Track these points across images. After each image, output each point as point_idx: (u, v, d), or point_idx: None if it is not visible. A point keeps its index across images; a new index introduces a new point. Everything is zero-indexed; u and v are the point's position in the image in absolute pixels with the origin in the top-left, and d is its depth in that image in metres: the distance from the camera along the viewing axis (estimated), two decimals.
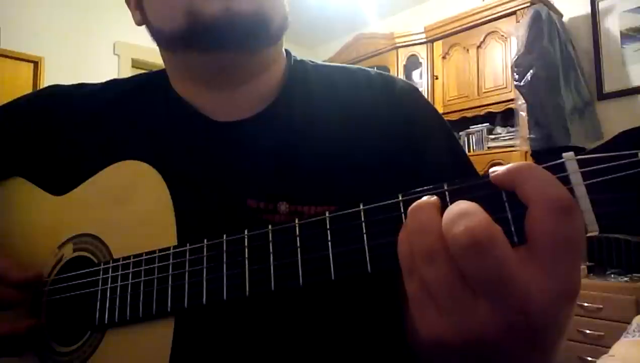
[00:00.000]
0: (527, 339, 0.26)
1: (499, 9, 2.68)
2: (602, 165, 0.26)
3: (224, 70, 0.51)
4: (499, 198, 0.28)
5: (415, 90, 0.59)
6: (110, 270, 0.45)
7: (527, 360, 0.28)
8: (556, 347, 0.28)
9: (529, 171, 0.27)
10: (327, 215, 0.35)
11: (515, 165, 0.28)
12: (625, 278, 2.13)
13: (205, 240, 0.40)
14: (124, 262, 0.44)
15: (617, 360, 1.43)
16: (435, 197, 0.29)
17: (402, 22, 3.56)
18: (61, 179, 0.53)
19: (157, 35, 0.52)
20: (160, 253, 0.42)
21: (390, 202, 0.32)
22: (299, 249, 0.35)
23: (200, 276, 0.39)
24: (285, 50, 0.58)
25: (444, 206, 0.28)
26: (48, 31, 2.83)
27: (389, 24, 3.60)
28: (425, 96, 2.91)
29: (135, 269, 0.43)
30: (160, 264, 0.42)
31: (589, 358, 1.99)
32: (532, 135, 2.37)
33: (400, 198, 0.32)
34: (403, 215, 0.31)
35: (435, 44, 3.06)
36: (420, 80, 3.13)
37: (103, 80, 0.64)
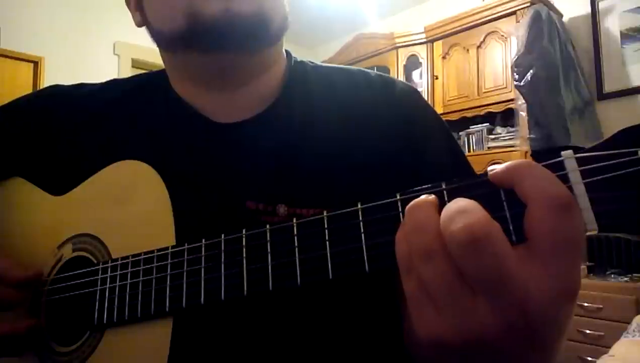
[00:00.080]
0: (527, 338, 0.26)
1: (499, 9, 2.68)
2: (601, 163, 0.26)
3: (224, 71, 0.51)
4: (497, 197, 0.28)
5: (414, 92, 0.59)
6: (109, 270, 0.45)
7: (526, 359, 0.28)
8: (556, 346, 0.28)
9: (527, 169, 0.27)
10: (324, 214, 0.35)
11: (514, 163, 0.28)
12: (625, 278, 2.13)
13: (203, 240, 0.40)
14: (123, 262, 0.44)
15: (617, 360, 1.43)
16: (433, 196, 0.29)
17: (402, 22, 3.56)
18: (61, 179, 0.53)
19: (157, 36, 0.52)
20: (158, 253, 0.42)
21: (388, 201, 0.32)
22: (296, 249, 0.35)
23: (199, 276, 0.39)
24: (286, 51, 0.58)
25: (442, 205, 0.28)
26: (48, 31, 2.83)
27: (389, 24, 3.60)
28: (425, 96, 2.93)
29: (134, 269, 0.43)
30: (158, 264, 0.42)
31: (589, 358, 1.99)
32: (532, 135, 2.37)
33: (398, 197, 0.32)
34: (401, 214, 0.31)
35: (435, 44, 3.06)
36: (420, 80, 3.13)
37: (103, 80, 0.64)
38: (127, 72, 3.11)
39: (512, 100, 2.57)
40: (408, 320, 0.34)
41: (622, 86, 2.51)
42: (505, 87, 2.65)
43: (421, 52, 3.10)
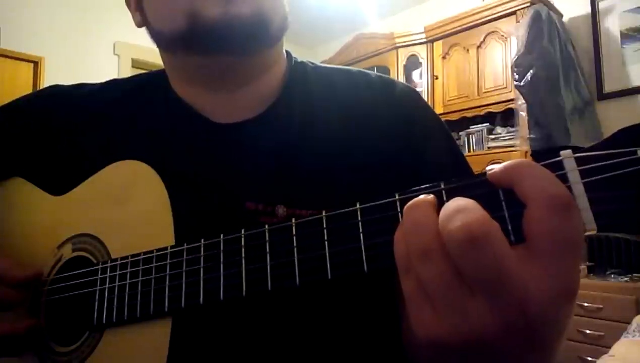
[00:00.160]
0: (526, 338, 0.26)
1: (499, 9, 2.68)
2: (600, 163, 0.26)
3: (224, 72, 0.51)
4: (495, 197, 0.28)
5: (414, 92, 0.59)
6: (108, 270, 0.45)
7: (526, 359, 0.28)
8: (556, 346, 0.28)
9: (526, 168, 0.27)
10: (323, 214, 0.35)
11: (513, 163, 0.27)
12: (625, 278, 2.13)
13: (202, 240, 0.40)
14: (122, 262, 0.44)
15: (617, 360, 1.43)
16: (431, 196, 0.29)
17: (402, 22, 3.56)
18: (61, 179, 0.53)
19: (157, 37, 0.52)
20: (157, 253, 0.42)
21: (386, 201, 0.32)
22: (295, 249, 0.35)
23: (198, 276, 0.39)
24: (286, 51, 0.58)
25: (440, 205, 0.28)
26: (48, 31, 2.83)
27: (389, 24, 3.60)
28: (425, 96, 2.93)
29: (133, 269, 0.43)
30: (157, 264, 0.42)
31: (589, 358, 1.99)
32: (532, 135, 2.37)
33: (396, 197, 0.31)
34: (400, 214, 0.31)
35: (435, 44, 3.06)
36: (420, 80, 3.13)
37: (103, 80, 0.63)
38: (127, 72, 3.11)
39: (512, 100, 2.57)
40: (407, 320, 0.34)
41: (622, 86, 2.51)
42: (505, 87, 2.65)
43: (421, 52, 3.10)
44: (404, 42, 3.15)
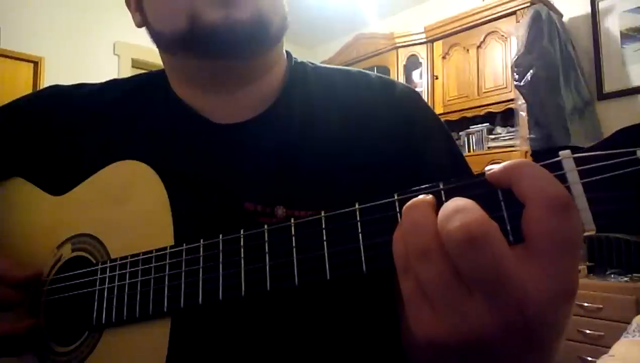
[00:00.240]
0: (525, 338, 0.26)
1: (499, 9, 2.68)
2: (599, 163, 0.26)
3: (224, 74, 0.51)
4: (494, 197, 0.28)
5: (414, 93, 0.59)
6: (107, 270, 0.45)
7: (524, 359, 0.28)
8: (555, 346, 0.28)
9: (525, 168, 0.27)
10: (322, 214, 0.34)
11: (512, 163, 0.27)
12: (625, 278, 2.13)
13: (201, 240, 0.40)
14: (121, 262, 0.44)
15: (617, 360, 1.43)
16: (430, 196, 0.29)
17: (402, 22, 3.55)
18: (61, 179, 0.53)
19: (157, 37, 0.52)
20: (157, 254, 0.42)
21: (385, 201, 0.32)
22: (294, 249, 0.35)
23: (197, 276, 0.39)
24: (286, 51, 0.58)
25: (439, 205, 0.28)
26: (48, 31, 2.83)
27: (389, 24, 3.60)
28: (425, 96, 2.93)
29: (132, 269, 0.43)
30: (156, 264, 0.42)
31: (589, 358, 1.99)
32: (532, 135, 2.37)
33: (395, 197, 0.31)
34: (399, 214, 0.31)
35: (435, 44, 3.06)
36: (420, 80, 3.13)
37: (103, 80, 0.64)
38: (127, 72, 3.11)
39: (512, 100, 2.57)
40: (406, 320, 0.34)
41: (622, 86, 2.51)
42: (505, 87, 2.65)
43: (421, 52, 3.10)
44: (404, 42, 3.15)
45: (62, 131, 0.56)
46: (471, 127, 2.87)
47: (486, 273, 0.25)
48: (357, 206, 0.33)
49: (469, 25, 2.84)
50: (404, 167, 0.49)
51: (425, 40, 3.07)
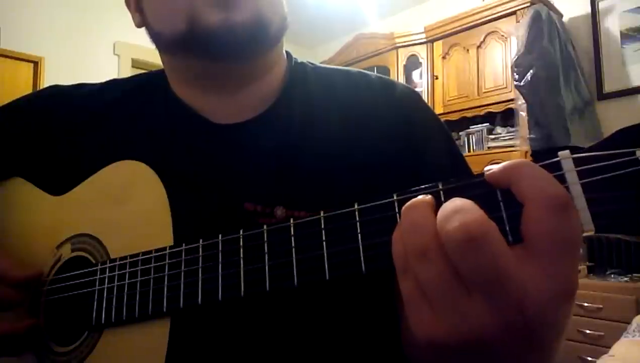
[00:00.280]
0: (525, 338, 0.26)
1: (499, 9, 2.68)
2: (598, 164, 0.26)
3: (224, 75, 0.51)
4: (493, 197, 0.28)
5: (414, 93, 0.59)
6: (107, 270, 0.45)
7: (524, 359, 0.28)
8: (555, 346, 0.28)
9: (525, 169, 0.27)
10: (322, 214, 0.35)
11: (511, 163, 0.27)
12: (625, 278, 2.13)
13: (201, 240, 0.40)
14: (121, 262, 0.44)
15: (617, 360, 1.43)
16: (429, 196, 0.29)
17: (402, 22, 3.55)
18: (61, 179, 0.53)
19: (156, 38, 0.52)
20: (156, 254, 0.42)
21: (385, 201, 0.32)
22: (293, 249, 0.35)
23: (196, 276, 0.39)
24: (286, 52, 0.58)
25: (438, 205, 0.28)
26: (48, 31, 2.83)
27: (389, 24, 3.60)
28: (425, 96, 2.93)
29: (132, 269, 0.43)
30: (156, 264, 0.42)
31: (589, 358, 1.99)
32: (532, 135, 2.37)
33: (395, 197, 0.31)
34: (398, 214, 0.31)
35: (435, 44, 3.06)
36: (420, 80, 3.13)
37: (103, 80, 0.64)
38: (127, 72, 3.11)
39: (512, 100, 2.57)
40: (405, 320, 0.34)
41: (622, 86, 2.51)
42: (505, 87, 2.65)
43: (421, 52, 3.10)
44: (404, 42, 3.15)
45: (62, 131, 0.56)
46: (471, 127, 2.87)
47: (485, 273, 0.25)
48: (356, 206, 0.33)
49: (469, 25, 2.84)
50: (403, 167, 0.49)
51: (425, 40, 3.07)
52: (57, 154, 0.55)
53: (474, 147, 2.84)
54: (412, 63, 3.17)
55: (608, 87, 2.56)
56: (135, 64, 3.21)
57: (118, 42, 3.13)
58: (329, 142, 0.50)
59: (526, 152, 2.45)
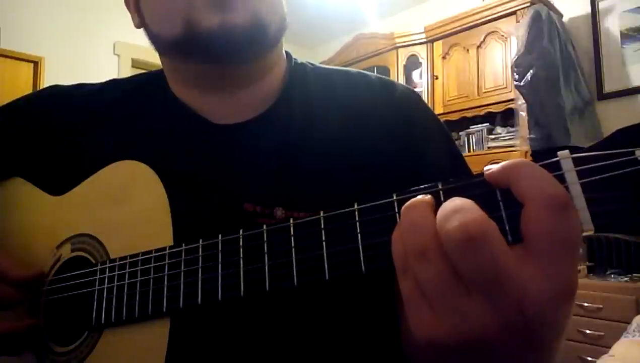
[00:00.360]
0: (525, 338, 0.26)
1: (499, 9, 2.68)
2: (598, 164, 0.26)
3: (223, 77, 0.51)
4: (493, 197, 0.28)
5: (414, 94, 0.59)
6: (107, 270, 0.45)
7: (524, 359, 0.28)
8: (555, 346, 0.28)
9: (524, 168, 0.27)
10: (321, 214, 0.35)
11: (511, 162, 0.27)
12: (625, 278, 2.13)
13: (200, 240, 0.40)
14: (121, 262, 0.44)
15: (617, 360, 1.43)
16: (429, 196, 0.29)
17: (402, 22, 3.55)
18: (60, 179, 0.53)
19: (155, 40, 0.52)
20: (156, 254, 0.42)
21: (384, 201, 0.32)
22: (293, 249, 0.35)
23: (196, 276, 0.39)
24: (286, 52, 0.58)
25: (438, 205, 0.28)
26: (48, 31, 2.83)
27: (389, 24, 3.60)
28: (425, 96, 2.93)
29: (132, 269, 0.43)
30: (156, 264, 0.42)
31: (589, 358, 1.99)
32: (532, 135, 2.37)
33: (394, 197, 0.31)
34: (397, 214, 0.31)
35: (435, 44, 3.06)
36: (420, 80, 3.13)
37: (103, 80, 0.64)
38: (127, 72, 3.11)
39: (512, 100, 2.57)
40: (405, 321, 0.34)
41: (622, 86, 2.51)
42: (505, 87, 2.65)
43: (421, 52, 3.10)
44: (404, 42, 3.15)
45: (62, 131, 0.56)
46: (471, 127, 2.87)
47: (485, 272, 0.25)
48: (356, 206, 0.33)
49: (469, 25, 2.84)
50: (403, 167, 0.49)
51: (425, 40, 3.07)
52: (57, 154, 0.55)
53: (474, 147, 2.84)
54: (412, 63, 3.17)
55: (608, 87, 2.56)
56: (135, 64, 3.21)
57: (118, 42, 3.13)
58: (329, 142, 0.50)
59: (526, 152, 2.45)
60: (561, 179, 0.27)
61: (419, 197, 0.29)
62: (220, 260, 0.38)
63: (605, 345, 1.82)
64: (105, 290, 0.44)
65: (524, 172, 0.27)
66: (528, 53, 2.37)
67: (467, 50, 2.86)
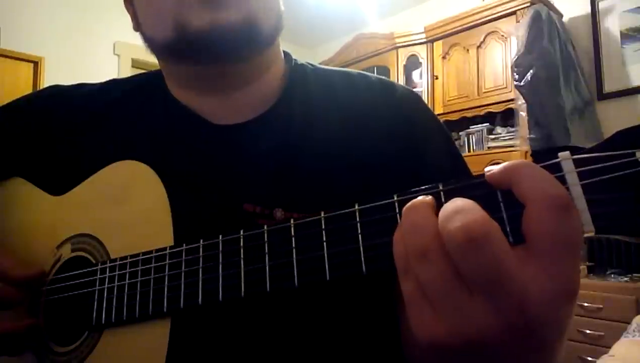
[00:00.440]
0: (526, 339, 0.26)
1: (499, 9, 2.68)
2: (598, 165, 0.26)
3: (219, 77, 0.51)
4: (494, 198, 0.28)
5: (414, 95, 0.59)
6: (107, 270, 0.45)
7: (526, 360, 0.28)
8: (557, 346, 0.28)
9: (525, 169, 0.27)
10: (322, 215, 0.34)
11: (512, 163, 0.27)
12: (625, 278, 2.13)
13: (201, 241, 0.40)
14: (121, 262, 0.44)
15: (617, 360, 1.43)
16: (430, 197, 0.29)
17: (402, 22, 3.56)
18: (61, 179, 0.53)
19: (149, 43, 0.52)
20: (156, 254, 0.42)
21: (385, 202, 0.32)
22: (294, 250, 0.35)
23: (196, 276, 0.39)
24: (285, 52, 0.58)
25: (439, 206, 0.28)
26: (48, 31, 2.83)
27: (389, 24, 3.60)
28: (425, 96, 2.93)
29: (132, 269, 0.43)
30: (156, 264, 0.42)
31: (589, 358, 1.99)
32: (532, 135, 2.37)
33: (395, 198, 0.31)
34: (398, 215, 0.31)
35: (435, 44, 3.06)
36: (420, 80, 3.13)
37: (103, 80, 0.63)
38: (127, 72, 3.11)
39: (512, 100, 2.57)
40: (406, 321, 0.34)
41: (622, 86, 2.51)
42: (505, 87, 2.65)
43: (421, 52, 3.10)
44: (404, 42, 3.15)
45: (62, 131, 0.56)
46: (471, 127, 2.87)
47: (487, 273, 0.25)
48: (356, 207, 0.33)
49: (469, 25, 2.84)
50: (403, 168, 0.49)
51: (425, 40, 3.08)
52: (57, 154, 0.55)
53: (474, 147, 2.84)
54: (412, 63, 3.17)
55: (608, 87, 2.56)
56: (135, 64, 3.21)
57: (118, 42, 3.12)
58: (329, 143, 0.50)
59: (526, 152, 2.45)
60: (562, 180, 0.27)
61: (420, 198, 0.29)
62: (221, 260, 0.38)
63: (605, 345, 1.82)
64: (106, 290, 0.44)
65: (525, 173, 0.27)
66: (528, 53, 2.37)
67: (467, 50, 2.86)
